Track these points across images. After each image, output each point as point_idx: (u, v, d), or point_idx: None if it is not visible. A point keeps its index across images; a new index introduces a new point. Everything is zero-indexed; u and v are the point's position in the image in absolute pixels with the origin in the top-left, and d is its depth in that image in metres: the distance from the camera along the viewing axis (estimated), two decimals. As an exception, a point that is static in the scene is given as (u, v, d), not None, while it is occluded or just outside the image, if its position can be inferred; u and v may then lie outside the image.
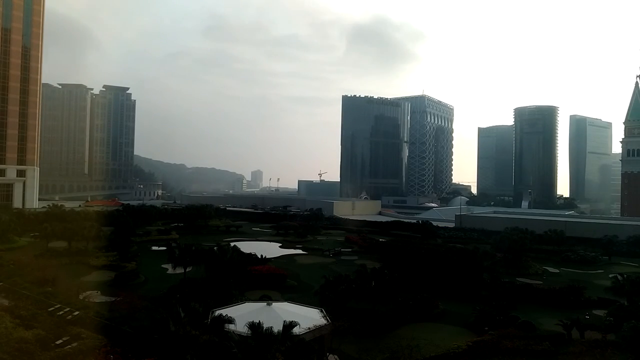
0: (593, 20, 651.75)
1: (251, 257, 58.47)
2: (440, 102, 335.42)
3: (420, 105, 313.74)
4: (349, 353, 30.45)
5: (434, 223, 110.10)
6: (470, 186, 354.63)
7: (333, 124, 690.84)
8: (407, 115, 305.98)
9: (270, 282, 50.05)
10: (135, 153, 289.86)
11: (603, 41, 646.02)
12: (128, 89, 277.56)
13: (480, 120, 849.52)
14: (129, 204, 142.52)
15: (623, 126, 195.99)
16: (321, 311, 30.92)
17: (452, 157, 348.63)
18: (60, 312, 33.67)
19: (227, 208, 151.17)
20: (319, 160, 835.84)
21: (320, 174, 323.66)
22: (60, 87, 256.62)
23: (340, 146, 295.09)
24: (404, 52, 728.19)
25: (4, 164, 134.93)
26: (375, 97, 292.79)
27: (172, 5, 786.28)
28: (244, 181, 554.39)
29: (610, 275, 56.33)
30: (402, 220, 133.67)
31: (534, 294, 47.70)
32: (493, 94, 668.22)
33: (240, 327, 24.37)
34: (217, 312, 27.91)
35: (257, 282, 48.83)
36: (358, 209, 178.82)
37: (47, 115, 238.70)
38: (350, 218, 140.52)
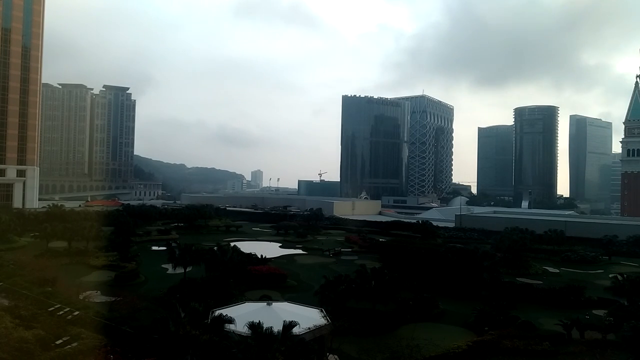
0: (593, 19, 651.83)
1: (251, 257, 58.54)
2: (440, 102, 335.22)
3: (420, 105, 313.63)
4: (349, 353, 30.43)
5: (434, 223, 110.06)
6: (470, 186, 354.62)
7: (333, 124, 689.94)
8: (407, 115, 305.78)
9: (270, 282, 50.12)
10: (135, 153, 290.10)
11: (603, 41, 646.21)
12: (128, 89, 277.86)
13: (480, 120, 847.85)
14: (129, 204, 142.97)
15: (623, 126, 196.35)
16: (321, 311, 30.90)
17: (452, 157, 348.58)
18: (60, 312, 33.61)
19: (227, 208, 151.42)
20: (319, 160, 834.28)
21: (320, 174, 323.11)
22: (60, 87, 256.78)
23: (340, 146, 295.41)
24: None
25: (4, 164, 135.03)
26: (375, 97, 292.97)
27: (174, 5, 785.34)
28: (244, 181, 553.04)
29: (610, 275, 56.41)
30: (402, 220, 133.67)
31: (534, 294, 47.73)
32: (493, 93, 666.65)
33: (240, 327, 24.35)
34: (217, 312, 27.87)
35: (257, 282, 48.92)
36: (358, 209, 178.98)
37: (47, 115, 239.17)
38: (350, 218, 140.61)
